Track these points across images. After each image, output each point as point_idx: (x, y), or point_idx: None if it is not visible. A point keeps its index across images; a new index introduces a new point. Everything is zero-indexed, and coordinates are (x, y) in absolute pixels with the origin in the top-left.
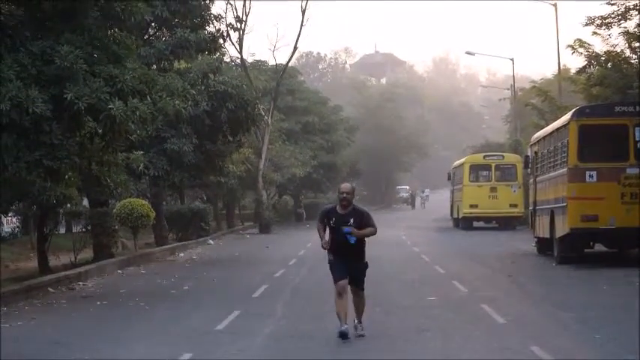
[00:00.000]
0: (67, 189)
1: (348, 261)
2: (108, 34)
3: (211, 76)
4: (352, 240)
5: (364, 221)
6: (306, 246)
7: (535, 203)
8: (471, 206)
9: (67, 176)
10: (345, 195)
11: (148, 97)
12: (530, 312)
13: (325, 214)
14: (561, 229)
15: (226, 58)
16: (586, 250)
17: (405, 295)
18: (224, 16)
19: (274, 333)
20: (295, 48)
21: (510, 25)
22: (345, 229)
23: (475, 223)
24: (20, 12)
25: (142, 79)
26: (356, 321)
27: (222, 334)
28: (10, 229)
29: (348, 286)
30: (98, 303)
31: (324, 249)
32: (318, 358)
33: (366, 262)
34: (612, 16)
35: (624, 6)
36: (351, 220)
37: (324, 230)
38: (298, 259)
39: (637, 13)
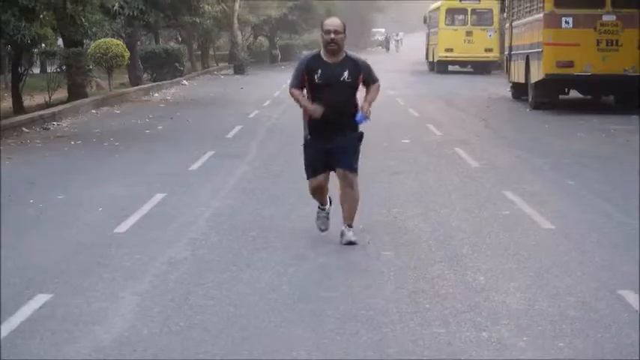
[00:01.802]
0: (41, 28)
1: (332, 136)
2: None
3: None
4: (364, 121)
5: (364, 76)
6: (280, 87)
7: (510, 48)
8: (447, 50)
9: (41, 15)
10: (332, 36)
11: None
12: (503, 157)
13: (306, 65)
14: (536, 74)
15: None
16: (561, 96)
17: (379, 138)
18: None
19: (247, 173)
20: None
21: None
22: (359, 115)
23: (450, 67)
24: None
25: None
26: (344, 226)
27: (196, 174)
28: None
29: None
30: (72, 143)
31: (317, 117)
32: (292, 199)
33: (361, 133)
34: None
35: None
36: (345, 74)
37: (303, 93)
38: (272, 101)
39: None
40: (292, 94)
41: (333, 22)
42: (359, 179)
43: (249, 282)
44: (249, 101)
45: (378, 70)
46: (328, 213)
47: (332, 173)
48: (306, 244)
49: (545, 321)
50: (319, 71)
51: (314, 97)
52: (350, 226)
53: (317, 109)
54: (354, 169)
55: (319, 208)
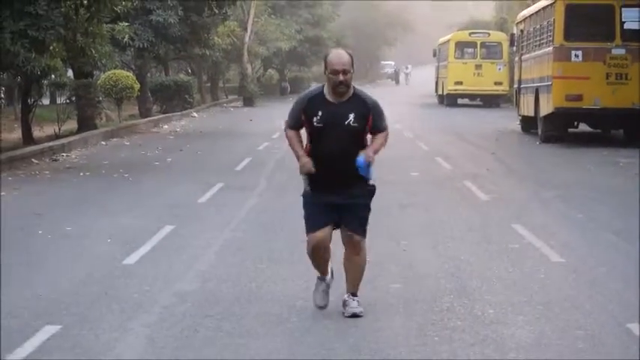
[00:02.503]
0: (51, 60)
1: (336, 190)
2: None
3: None
4: (370, 175)
5: (373, 119)
6: None
7: (520, 81)
8: (456, 83)
9: (51, 47)
10: (341, 78)
11: None
12: (513, 190)
13: (306, 104)
14: (546, 107)
15: None
16: (570, 130)
17: (388, 171)
18: None
19: (256, 206)
20: None
21: None
22: (360, 159)
23: (459, 100)
24: None
25: None
26: (347, 295)
27: (205, 206)
28: None
29: (332, 236)
30: (81, 174)
31: (305, 174)
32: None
33: (373, 186)
34: None
35: None
36: (351, 116)
37: (299, 137)
38: (282, 133)
39: None
40: (287, 138)
41: (340, 58)
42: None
43: (258, 314)
44: (259, 133)
45: (387, 103)
46: (329, 285)
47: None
48: (315, 277)
49: (553, 354)
50: (320, 112)
51: (313, 143)
52: (354, 295)
53: (306, 165)
54: (361, 232)
55: (318, 279)
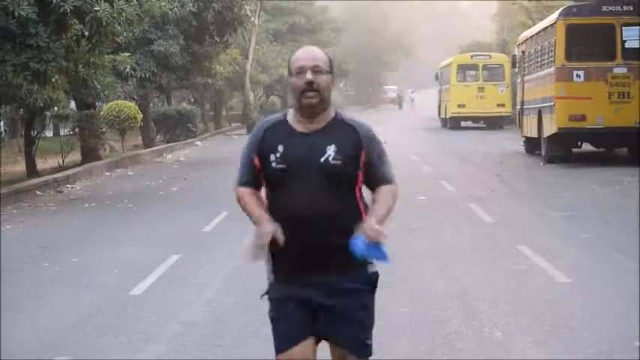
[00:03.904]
0: (54, 92)
1: (314, 276)
2: None
3: None
4: (379, 257)
5: (368, 157)
6: None
7: (523, 103)
8: (459, 106)
9: (53, 79)
10: (310, 77)
11: None
12: (518, 211)
13: (260, 139)
14: (549, 128)
15: None
16: (574, 150)
17: None
18: None
19: None
20: None
21: None
22: (356, 242)
23: (463, 123)
24: None
25: None
26: None
27: (211, 234)
28: None
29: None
30: (86, 205)
31: (263, 248)
32: None
33: (374, 274)
34: None
35: None
36: (330, 150)
37: (256, 197)
38: None
39: None
40: (237, 199)
41: (309, 52)
42: None
43: (265, 341)
44: None
45: (392, 127)
46: None
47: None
48: None
49: None
50: (280, 147)
51: (271, 198)
52: None
53: (267, 234)
54: (361, 351)
55: None
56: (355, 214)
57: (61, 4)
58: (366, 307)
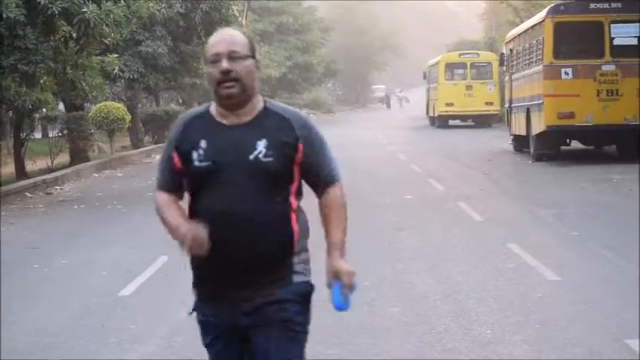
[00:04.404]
0: (42, 93)
1: (242, 292)
2: None
3: None
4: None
5: (305, 152)
6: None
7: (511, 101)
8: (447, 104)
9: (42, 81)
10: (225, 65)
11: None
12: (507, 209)
13: (180, 134)
14: (537, 126)
15: None
16: (562, 148)
17: (382, 194)
18: None
19: None
20: None
21: None
22: (335, 289)
23: (451, 122)
24: None
25: None
26: None
27: None
28: None
29: None
30: (75, 207)
31: (200, 254)
32: None
33: (305, 284)
34: None
35: None
36: (260, 146)
37: (177, 204)
38: None
39: None
40: (156, 207)
41: (224, 36)
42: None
43: None
44: None
45: (380, 126)
46: None
47: None
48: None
49: None
50: (203, 144)
51: (195, 203)
52: None
53: (189, 240)
54: None
55: None
56: (288, 219)
57: (49, 5)
58: (300, 325)
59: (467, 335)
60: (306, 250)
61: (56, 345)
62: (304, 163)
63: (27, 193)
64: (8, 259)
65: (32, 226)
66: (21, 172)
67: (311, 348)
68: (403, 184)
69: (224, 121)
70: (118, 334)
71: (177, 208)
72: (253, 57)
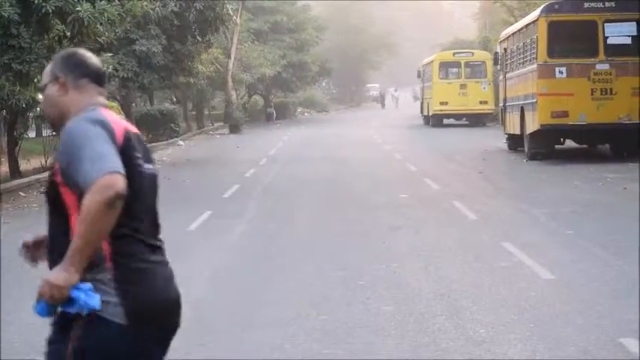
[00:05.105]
0: (36, 92)
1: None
2: None
3: None
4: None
5: (61, 165)
6: (276, 145)
7: (505, 100)
8: (441, 103)
9: (36, 79)
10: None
11: None
12: (501, 208)
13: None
14: (532, 125)
15: None
16: (556, 146)
17: (377, 194)
18: None
19: (246, 232)
20: None
21: None
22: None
23: (445, 120)
24: None
25: None
26: None
27: (195, 234)
28: None
29: None
30: None
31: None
32: (290, 257)
33: (62, 314)
34: None
35: None
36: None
37: None
38: (269, 159)
39: None
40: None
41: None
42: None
43: (251, 342)
44: (246, 160)
45: (374, 125)
46: None
47: None
48: (307, 302)
49: None
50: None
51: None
52: None
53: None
54: None
55: None
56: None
57: (43, 4)
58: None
59: (461, 334)
60: None
61: None
62: (64, 177)
63: (21, 193)
64: (3, 258)
65: (27, 226)
66: (15, 171)
67: (307, 347)
68: (398, 183)
69: None
70: None
71: None
72: (57, 79)
